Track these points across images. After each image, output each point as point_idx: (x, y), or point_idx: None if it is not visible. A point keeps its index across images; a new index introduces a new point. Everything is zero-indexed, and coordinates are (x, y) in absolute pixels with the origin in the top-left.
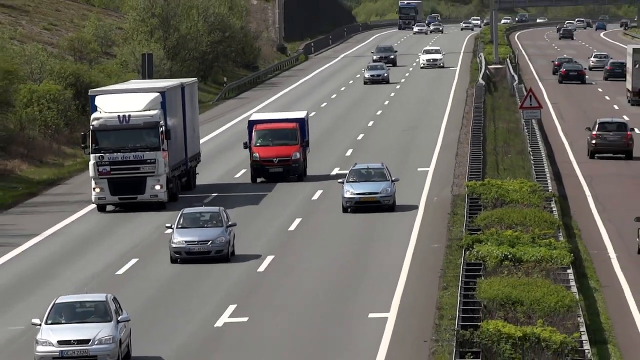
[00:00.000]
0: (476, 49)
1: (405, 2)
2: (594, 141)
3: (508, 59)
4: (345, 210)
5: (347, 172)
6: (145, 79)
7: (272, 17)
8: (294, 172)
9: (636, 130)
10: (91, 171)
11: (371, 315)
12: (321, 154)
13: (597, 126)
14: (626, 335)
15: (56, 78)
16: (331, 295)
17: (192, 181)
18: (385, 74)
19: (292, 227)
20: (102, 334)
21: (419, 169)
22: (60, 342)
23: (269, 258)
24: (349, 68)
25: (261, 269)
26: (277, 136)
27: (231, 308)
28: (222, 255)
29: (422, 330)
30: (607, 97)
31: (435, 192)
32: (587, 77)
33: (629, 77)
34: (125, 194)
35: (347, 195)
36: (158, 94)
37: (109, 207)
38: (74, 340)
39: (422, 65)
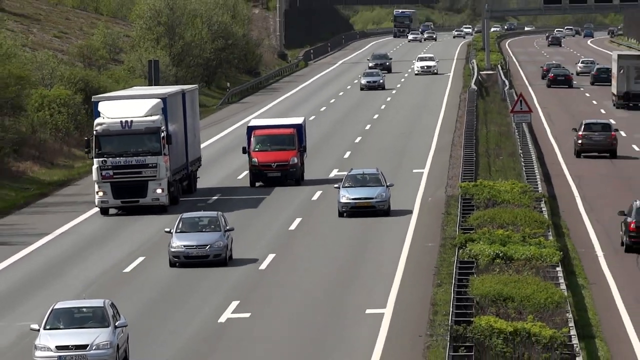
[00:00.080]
0: (469, 56)
1: (400, 11)
2: (580, 141)
3: (499, 65)
4: (341, 215)
5: (344, 175)
6: (151, 84)
7: (273, 25)
8: (292, 176)
9: (622, 133)
10: (94, 175)
11: (368, 311)
12: (320, 156)
13: (583, 127)
14: (613, 330)
15: (66, 83)
16: (330, 292)
17: (193, 185)
18: (381, 81)
19: (292, 227)
20: (99, 340)
21: (414, 171)
22: (59, 348)
23: (270, 256)
24: (347, 74)
25: (263, 266)
26: (275, 141)
27: (234, 304)
28: (220, 259)
29: (417, 325)
30: (594, 102)
31: (429, 193)
32: (574, 82)
33: (614, 82)
34: (128, 197)
35: (343, 200)
36: (159, 100)
37: (112, 211)
38: (72, 346)
39: (416, 72)
